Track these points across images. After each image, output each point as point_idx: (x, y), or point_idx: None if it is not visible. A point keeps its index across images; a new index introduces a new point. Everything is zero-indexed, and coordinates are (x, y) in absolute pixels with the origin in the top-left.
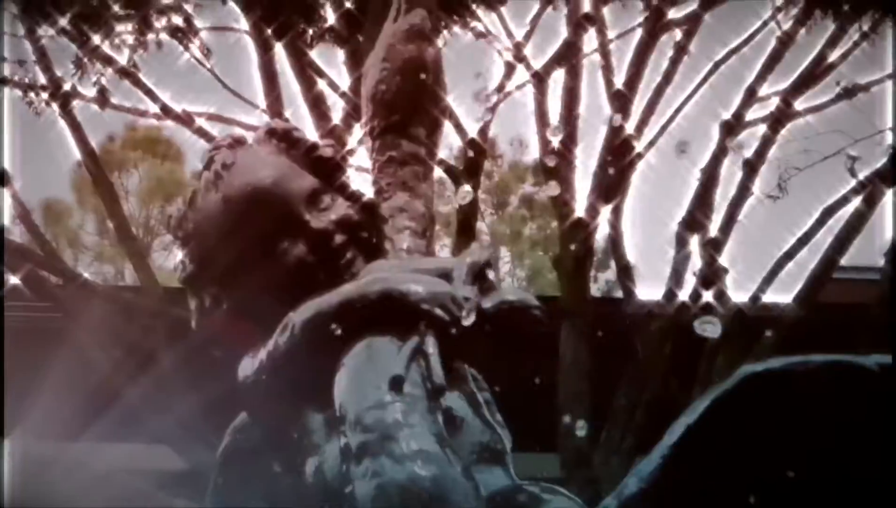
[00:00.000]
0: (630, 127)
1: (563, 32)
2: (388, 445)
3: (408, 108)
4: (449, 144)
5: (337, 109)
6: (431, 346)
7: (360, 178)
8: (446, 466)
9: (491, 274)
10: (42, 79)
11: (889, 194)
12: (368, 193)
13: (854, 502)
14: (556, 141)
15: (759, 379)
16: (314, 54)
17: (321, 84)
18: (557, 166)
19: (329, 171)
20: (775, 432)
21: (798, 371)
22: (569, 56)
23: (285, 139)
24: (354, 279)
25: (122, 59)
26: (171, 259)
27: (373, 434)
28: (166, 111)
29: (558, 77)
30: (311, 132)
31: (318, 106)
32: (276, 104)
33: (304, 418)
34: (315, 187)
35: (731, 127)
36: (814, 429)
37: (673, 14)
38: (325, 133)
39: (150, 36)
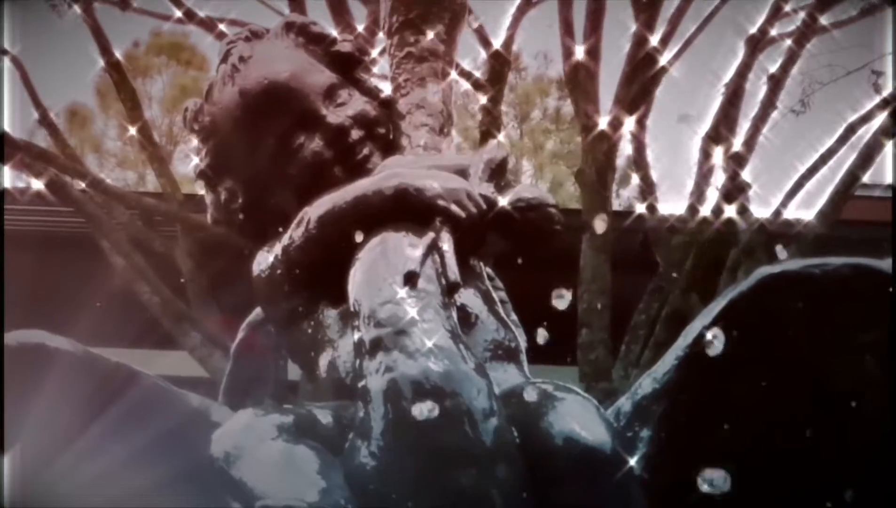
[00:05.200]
0: (654, 40)
1: None
2: (401, 340)
3: (427, 3)
4: (474, 56)
5: (360, 19)
6: (446, 242)
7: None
8: (459, 362)
9: (507, 172)
10: None
11: None
12: (386, 89)
13: (866, 399)
14: (580, 55)
15: (775, 280)
16: None
17: None
18: (581, 79)
19: (347, 66)
20: (790, 332)
21: (815, 273)
22: None
23: (303, 33)
24: (370, 175)
25: None
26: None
27: (386, 329)
28: (189, 16)
29: None
30: None
31: (340, 13)
32: (299, 11)
33: (317, 313)
34: (332, 82)
35: (757, 41)
36: (829, 329)
37: None
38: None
39: None
